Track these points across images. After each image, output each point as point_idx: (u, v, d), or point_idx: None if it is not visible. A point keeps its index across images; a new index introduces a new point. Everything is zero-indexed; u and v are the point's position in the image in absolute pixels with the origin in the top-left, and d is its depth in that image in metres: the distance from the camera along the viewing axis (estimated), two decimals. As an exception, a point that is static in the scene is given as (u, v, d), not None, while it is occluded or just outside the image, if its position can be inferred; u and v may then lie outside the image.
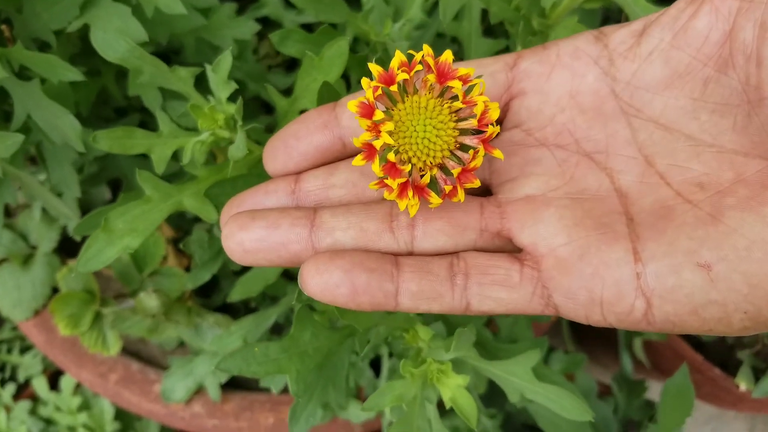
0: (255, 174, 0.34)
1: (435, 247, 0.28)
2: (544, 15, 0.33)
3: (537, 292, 0.26)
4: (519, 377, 0.34)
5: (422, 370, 0.34)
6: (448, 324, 0.38)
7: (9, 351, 0.75)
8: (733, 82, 0.25)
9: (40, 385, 0.70)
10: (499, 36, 0.46)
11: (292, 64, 0.60)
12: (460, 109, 0.26)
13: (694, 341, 0.71)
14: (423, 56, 0.26)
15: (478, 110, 0.25)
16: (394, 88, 0.26)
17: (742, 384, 0.66)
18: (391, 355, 0.50)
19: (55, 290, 0.58)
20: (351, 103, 0.25)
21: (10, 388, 0.72)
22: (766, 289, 0.23)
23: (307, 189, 0.29)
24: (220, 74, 0.32)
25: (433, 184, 0.26)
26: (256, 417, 0.53)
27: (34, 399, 0.72)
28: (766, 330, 0.24)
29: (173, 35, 0.42)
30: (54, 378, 0.72)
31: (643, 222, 0.26)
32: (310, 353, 0.35)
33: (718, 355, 0.71)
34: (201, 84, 0.37)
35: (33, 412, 0.71)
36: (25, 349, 0.74)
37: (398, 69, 0.25)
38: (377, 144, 0.25)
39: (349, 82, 0.46)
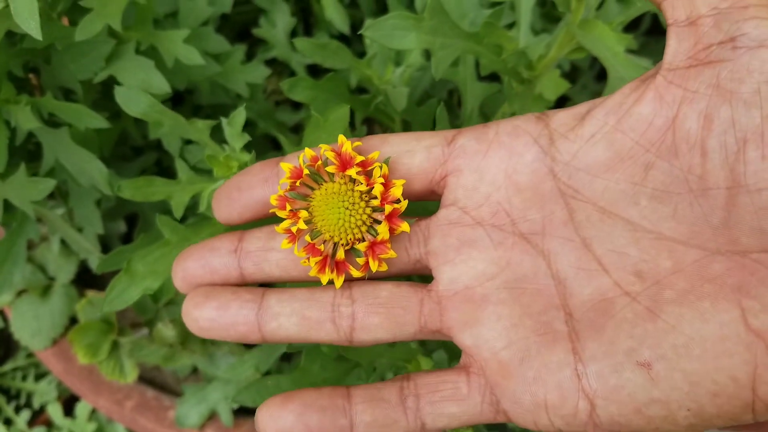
0: (264, 219, 0.36)
1: (373, 339, 0.29)
2: (530, 67, 0.36)
3: (486, 400, 0.27)
4: None
5: None
6: (450, 351, 0.40)
7: (24, 378, 0.77)
8: (675, 170, 0.24)
9: (54, 412, 0.71)
10: (494, 79, 0.48)
11: (296, 101, 0.62)
12: (370, 188, 0.28)
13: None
14: (324, 151, 0.29)
15: (376, 191, 0.28)
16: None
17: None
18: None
19: (72, 320, 0.60)
20: (272, 198, 0.29)
21: (25, 415, 0.74)
22: (707, 386, 0.23)
23: (248, 249, 0.30)
24: (235, 128, 0.35)
25: (360, 257, 0.29)
26: (266, 441, 0.54)
27: (49, 425, 0.73)
28: (713, 427, 0.24)
29: (189, 81, 0.45)
30: (69, 404, 0.73)
31: (582, 318, 0.26)
32: (320, 384, 0.37)
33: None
34: (216, 132, 0.39)
35: (47, 438, 0.73)
36: (40, 376, 0.76)
37: (305, 164, 0.29)
38: (294, 230, 0.28)
39: (354, 122, 0.49)
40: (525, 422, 0.26)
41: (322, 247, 0.29)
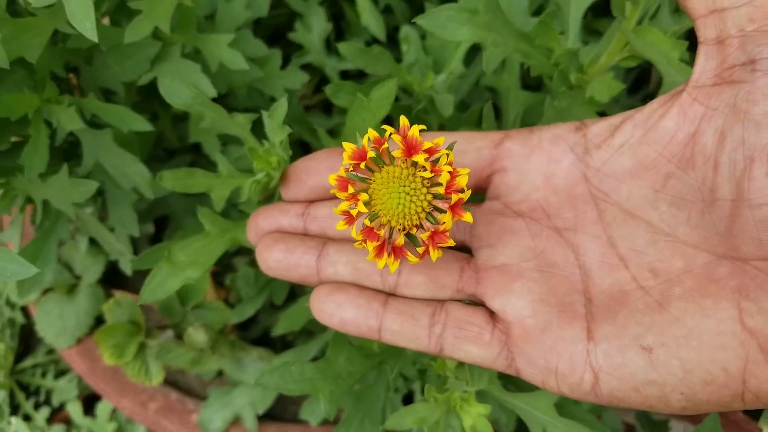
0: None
1: (414, 295, 0.32)
2: (581, 70, 0.35)
3: (503, 354, 0.30)
4: (541, 411, 0.35)
5: (446, 396, 0.35)
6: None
7: (44, 375, 0.76)
8: (691, 181, 0.27)
9: (74, 410, 0.71)
10: (535, 89, 0.48)
11: (326, 106, 0.62)
12: (434, 176, 0.28)
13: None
14: (391, 134, 0.28)
15: (443, 179, 0.27)
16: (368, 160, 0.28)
17: (765, 428, 0.67)
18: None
19: (98, 320, 0.60)
20: (331, 178, 0.29)
21: (44, 412, 0.73)
22: (700, 374, 0.25)
23: (314, 215, 0.34)
24: (275, 120, 0.34)
25: (416, 241, 0.29)
26: (291, 449, 0.54)
27: (68, 423, 0.73)
28: (704, 411, 0.26)
29: (230, 85, 0.45)
30: (88, 403, 0.73)
31: (600, 304, 0.28)
32: (344, 377, 0.37)
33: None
34: (255, 129, 0.39)
35: (66, 436, 0.72)
36: (60, 373, 0.76)
37: (369, 146, 0.28)
38: (354, 212, 0.28)
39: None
40: (534, 380, 0.29)
41: (381, 232, 0.28)
